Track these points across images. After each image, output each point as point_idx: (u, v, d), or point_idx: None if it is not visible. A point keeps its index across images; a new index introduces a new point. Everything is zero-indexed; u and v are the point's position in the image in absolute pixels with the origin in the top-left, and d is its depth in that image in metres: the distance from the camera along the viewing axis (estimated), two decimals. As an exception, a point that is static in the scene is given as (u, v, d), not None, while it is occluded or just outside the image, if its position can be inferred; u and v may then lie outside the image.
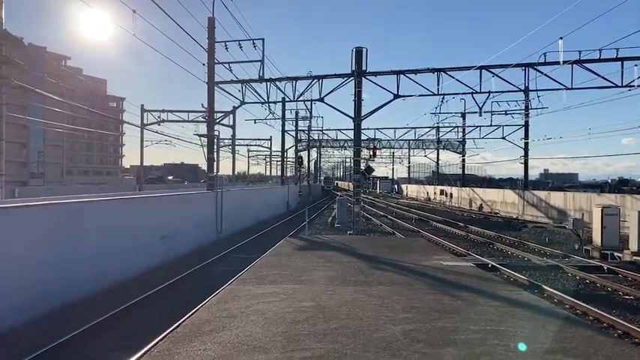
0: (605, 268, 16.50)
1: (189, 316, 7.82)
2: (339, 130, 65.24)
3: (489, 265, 16.28)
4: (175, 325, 7.30)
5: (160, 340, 6.66)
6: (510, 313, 8.09)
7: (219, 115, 29.68)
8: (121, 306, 11.17)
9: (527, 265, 17.25)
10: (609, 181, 69.30)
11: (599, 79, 24.86)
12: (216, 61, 25.23)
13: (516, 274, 15.14)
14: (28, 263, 10.57)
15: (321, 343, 6.43)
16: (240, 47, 24.92)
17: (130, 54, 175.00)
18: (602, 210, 19.88)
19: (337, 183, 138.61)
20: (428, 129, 60.66)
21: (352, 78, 24.40)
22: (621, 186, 56.11)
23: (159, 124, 40.12)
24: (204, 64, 25.08)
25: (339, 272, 11.63)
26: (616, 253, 18.63)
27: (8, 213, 10.52)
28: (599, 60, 24.39)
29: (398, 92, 25.72)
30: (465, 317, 7.74)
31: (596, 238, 19.78)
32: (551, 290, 12.95)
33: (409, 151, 78.80)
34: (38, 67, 64.07)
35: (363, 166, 29.58)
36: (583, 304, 11.43)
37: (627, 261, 17.77)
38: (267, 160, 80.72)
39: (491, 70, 25.70)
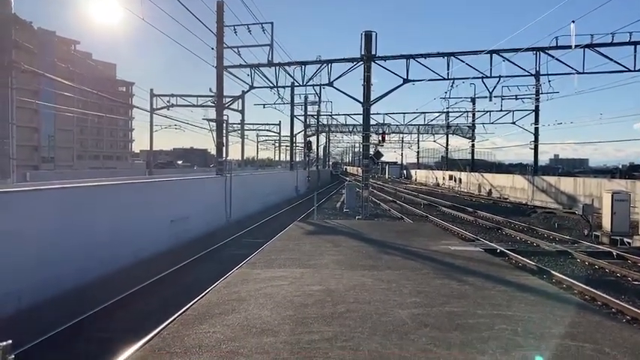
0: (615, 253, 16.44)
1: (199, 299, 7.89)
2: (348, 115, 64.89)
3: (498, 251, 16.26)
4: (185, 308, 7.38)
5: (170, 322, 6.74)
6: (518, 298, 8.10)
7: (228, 99, 29.66)
8: (136, 287, 11.35)
9: (535, 251, 17.23)
10: (620, 166, 68.77)
11: (611, 64, 24.55)
12: (225, 45, 25.16)
13: (525, 259, 15.13)
14: (49, 242, 10.87)
15: (329, 326, 6.48)
16: (249, 31, 24.81)
17: (139, 38, 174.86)
18: (612, 196, 19.76)
19: (346, 168, 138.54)
20: (437, 114, 60.32)
21: (361, 62, 24.26)
22: (632, 172, 55.60)
23: (168, 109, 40.12)
24: (213, 49, 25.02)
25: (348, 257, 11.67)
26: (626, 239, 18.55)
27: (34, 196, 10.72)
28: (612, 44, 24.05)
29: (407, 77, 25.55)
30: (473, 302, 7.76)
31: (606, 223, 19.69)
32: (560, 276, 12.94)
33: (418, 136, 78.49)
34: (48, 52, 64.24)
35: (372, 151, 29.50)
36: (592, 290, 11.43)
37: (637, 247, 17.70)
38: (276, 145, 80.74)
39: (502, 54, 25.42)
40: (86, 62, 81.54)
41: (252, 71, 27.72)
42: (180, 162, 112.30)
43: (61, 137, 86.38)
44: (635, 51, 23.92)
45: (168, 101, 39.98)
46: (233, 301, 7.73)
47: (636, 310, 9.99)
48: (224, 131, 26.16)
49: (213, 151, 34.08)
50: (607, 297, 10.87)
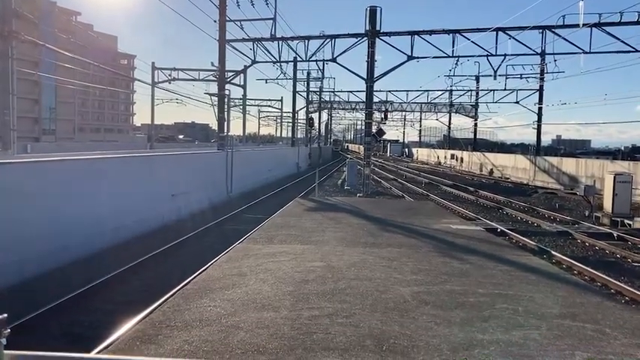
0: (615, 235, 16.43)
1: (199, 274, 7.90)
2: (350, 92, 64.58)
3: (498, 230, 16.25)
4: (185, 282, 7.38)
5: (171, 296, 6.74)
6: (519, 278, 8.10)
7: (230, 74, 29.43)
8: (139, 259, 11.43)
9: (536, 231, 17.23)
10: (622, 148, 68.57)
11: (618, 43, 24.35)
12: (227, 18, 24.87)
13: (525, 239, 15.12)
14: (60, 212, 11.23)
15: (329, 302, 6.48)
16: (252, 4, 24.59)
17: (140, 10, 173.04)
18: (614, 177, 19.70)
19: (347, 146, 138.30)
20: (441, 92, 60.03)
21: (366, 38, 24.02)
22: (634, 154, 55.49)
23: (169, 83, 39.77)
24: (215, 21, 24.74)
25: (349, 234, 11.67)
26: (626, 221, 18.54)
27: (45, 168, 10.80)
28: (620, 23, 23.76)
29: (412, 53, 25.35)
30: (474, 280, 7.76)
31: (607, 205, 19.68)
32: (560, 256, 12.94)
33: (421, 115, 78.29)
34: (49, 22, 63.54)
35: (374, 128, 29.37)
36: (592, 270, 11.43)
37: (637, 228, 17.68)
38: (278, 121, 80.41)
39: (508, 32, 25.17)
40: (87, 34, 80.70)
41: (255, 45, 27.52)
42: (181, 136, 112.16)
43: (62, 110, 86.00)
44: (644, 31, 23.64)
45: (170, 75, 39.62)
46: (234, 276, 7.73)
47: (635, 291, 10.00)
48: (226, 106, 26.05)
49: (214, 126, 33.91)
50: (607, 278, 10.88)
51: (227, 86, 27.08)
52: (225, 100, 26.06)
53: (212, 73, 33.92)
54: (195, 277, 7.71)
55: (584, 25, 23.52)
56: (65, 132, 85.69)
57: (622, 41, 24.16)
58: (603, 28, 23.93)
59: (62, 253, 10.94)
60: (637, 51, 24.15)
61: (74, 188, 11.98)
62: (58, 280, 9.99)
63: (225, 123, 25.72)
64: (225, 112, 25.77)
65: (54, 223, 11.06)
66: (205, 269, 8.20)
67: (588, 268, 11.61)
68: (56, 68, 53.76)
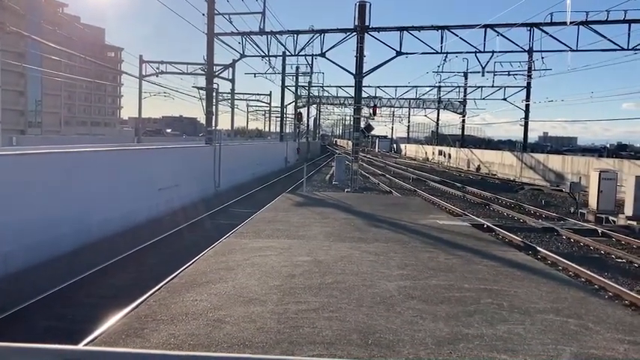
0: (600, 231, 16.62)
1: (186, 268, 7.87)
2: (339, 87, 64.67)
3: (485, 226, 16.36)
4: (172, 277, 7.36)
5: (157, 290, 6.72)
6: (504, 273, 8.16)
7: (218, 67, 29.23)
8: (129, 251, 11.40)
9: (522, 227, 17.38)
10: (608, 145, 69.32)
11: (604, 41, 24.53)
12: (216, 11, 24.70)
13: (511, 235, 15.25)
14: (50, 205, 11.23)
15: (316, 296, 6.50)
16: (241, -2, 24.39)
17: (128, 2, 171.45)
18: (599, 174, 19.89)
19: (336, 141, 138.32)
20: (429, 88, 60.16)
21: (355, 33, 23.97)
22: (620, 151, 56.13)
23: (157, 76, 39.48)
24: (203, 14, 24.55)
25: (336, 228, 11.68)
26: (611, 217, 18.75)
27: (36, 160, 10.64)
28: (607, 22, 23.95)
29: (401, 49, 25.35)
30: (460, 276, 7.81)
31: (593, 201, 19.87)
32: (546, 252, 13.07)
33: (409, 111, 78.49)
34: (35, 14, 62.72)
35: (362, 124, 29.40)
36: (576, 266, 11.56)
37: (621, 225, 17.90)
38: (266, 115, 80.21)
39: (496, 29, 25.26)
40: (74, 26, 79.74)
41: (244, 39, 27.35)
42: (169, 130, 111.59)
43: (49, 102, 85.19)
44: (630, 29, 23.87)
45: (158, 68, 39.34)
46: (221, 270, 7.72)
47: (618, 286, 10.14)
48: (214, 100, 25.88)
49: (202, 120, 33.80)
50: (591, 274, 11.00)
51: (215, 80, 26.95)
52: (214, 94, 25.90)
53: (200, 66, 33.70)
54: (181, 271, 7.69)
55: (571, 22, 23.68)
56: (52, 125, 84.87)
57: (608, 39, 24.39)
58: (590, 26, 24.10)
59: (49, 248, 10.88)
60: (623, 49, 24.35)
61: (59, 183, 11.89)
62: (40, 275, 9.93)
63: (214, 117, 25.56)
64: (214, 106, 25.61)
65: (43, 218, 10.99)
66: (192, 263, 8.17)
67: (573, 264, 11.74)
68: (42, 60, 53.12)
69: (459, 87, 57.36)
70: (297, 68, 52.77)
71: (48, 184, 11.51)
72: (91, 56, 47.85)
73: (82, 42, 71.29)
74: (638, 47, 24.12)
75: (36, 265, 10.37)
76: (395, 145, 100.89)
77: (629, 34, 23.90)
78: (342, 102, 70.21)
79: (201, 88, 27.90)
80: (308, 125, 77.73)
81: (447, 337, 5.28)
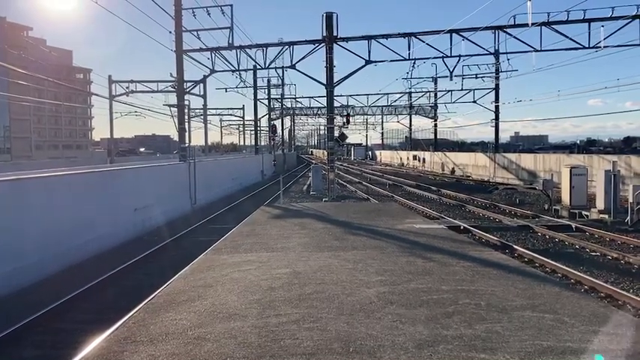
0: (574, 226, 16.92)
1: (165, 287, 7.82)
2: (312, 97, 64.74)
3: (461, 227, 16.53)
4: (150, 297, 7.30)
5: (136, 311, 6.66)
6: (481, 273, 8.28)
7: (189, 84, 29.17)
8: (109, 272, 11.28)
9: (498, 226, 17.60)
10: (578, 142, 70.76)
11: (567, 41, 25.07)
12: (183, 28, 24.66)
13: (487, 235, 15.43)
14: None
15: (296, 308, 6.51)
16: (209, 14, 24.47)
17: (95, 24, 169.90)
18: (570, 170, 20.26)
19: (311, 151, 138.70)
20: (400, 94, 60.86)
21: (323, 44, 24.14)
22: (589, 147, 57.35)
23: (128, 95, 39.20)
24: (170, 32, 24.49)
25: (314, 239, 11.71)
26: (584, 212, 19.10)
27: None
28: (567, 22, 24.53)
29: (369, 58, 25.55)
30: (438, 278, 7.90)
31: (565, 197, 20.22)
32: (522, 250, 13.25)
33: (382, 118, 79.09)
34: (-2, 39, 61.77)
35: (337, 133, 29.54)
36: (552, 262, 11.74)
37: (594, 219, 18.26)
38: (241, 129, 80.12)
39: (462, 33, 25.65)
40: (40, 49, 78.70)
41: (213, 55, 27.32)
42: (142, 149, 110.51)
43: (17, 127, 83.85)
44: (590, 28, 24.48)
45: (128, 87, 39.06)
46: (199, 288, 7.68)
47: (593, 279, 10.33)
48: (186, 116, 25.85)
49: (175, 137, 33.60)
50: (566, 268, 11.19)
51: (187, 96, 26.94)
52: (185, 110, 25.85)
53: (171, 84, 33.59)
54: (160, 291, 7.63)
55: (533, 24, 24.19)
56: (22, 150, 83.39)
57: (570, 39, 24.95)
58: (552, 26, 24.65)
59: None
60: (585, 47, 24.95)
61: (27, 207, 11.68)
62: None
63: (187, 134, 25.52)
64: (186, 123, 25.58)
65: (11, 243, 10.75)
66: (170, 282, 8.12)
67: (549, 260, 11.92)
68: (9, 85, 52.31)
69: (429, 92, 58.23)
70: (269, 81, 53.00)
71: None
72: (60, 79, 47.25)
73: (49, 65, 70.46)
74: (598, 45, 24.74)
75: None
76: (370, 153, 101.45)
77: (589, 33, 24.52)
78: (315, 112, 70.41)
79: (172, 106, 27.87)
80: (283, 137, 77.81)
81: (426, 339, 5.34)
